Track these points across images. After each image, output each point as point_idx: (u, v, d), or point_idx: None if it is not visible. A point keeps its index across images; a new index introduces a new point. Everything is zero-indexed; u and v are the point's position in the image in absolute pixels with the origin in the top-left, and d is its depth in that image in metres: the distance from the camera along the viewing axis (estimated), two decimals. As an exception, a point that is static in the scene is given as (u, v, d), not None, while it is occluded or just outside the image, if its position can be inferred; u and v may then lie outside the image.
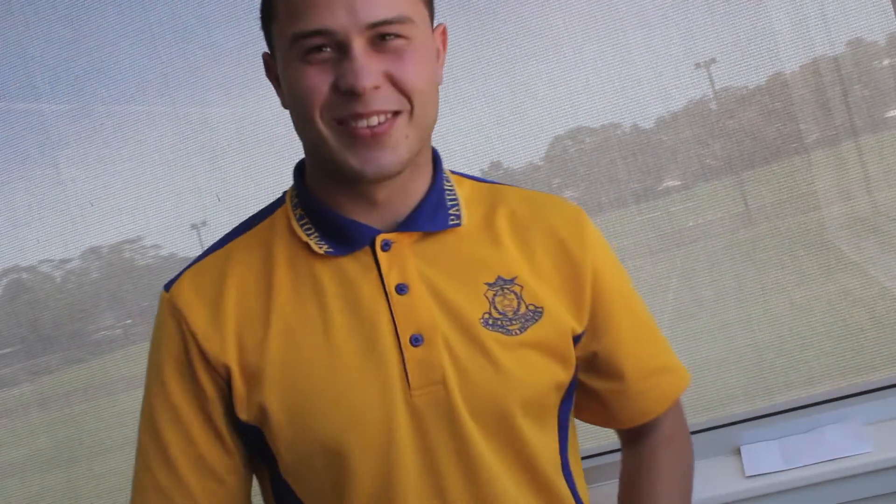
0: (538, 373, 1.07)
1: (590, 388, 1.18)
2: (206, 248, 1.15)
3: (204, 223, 1.93)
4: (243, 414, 1.05)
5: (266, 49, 1.10)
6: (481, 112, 1.81)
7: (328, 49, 0.97)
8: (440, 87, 1.08)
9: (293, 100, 1.02)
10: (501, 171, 1.84)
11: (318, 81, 0.98)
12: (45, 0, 1.95)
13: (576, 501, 1.13)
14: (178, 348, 1.08)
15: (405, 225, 1.06)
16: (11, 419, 2.20)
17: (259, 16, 1.08)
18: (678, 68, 1.75)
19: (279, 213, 1.12)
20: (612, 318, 1.14)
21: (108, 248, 2.04)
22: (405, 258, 1.05)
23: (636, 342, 1.18)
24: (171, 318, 1.08)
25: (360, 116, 0.97)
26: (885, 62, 1.72)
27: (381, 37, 0.97)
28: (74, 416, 2.12)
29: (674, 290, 1.84)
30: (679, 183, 1.82)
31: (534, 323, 1.07)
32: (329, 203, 1.07)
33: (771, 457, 1.65)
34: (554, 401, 1.11)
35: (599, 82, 1.77)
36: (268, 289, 1.06)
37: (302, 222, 1.08)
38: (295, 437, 1.03)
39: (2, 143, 2.02)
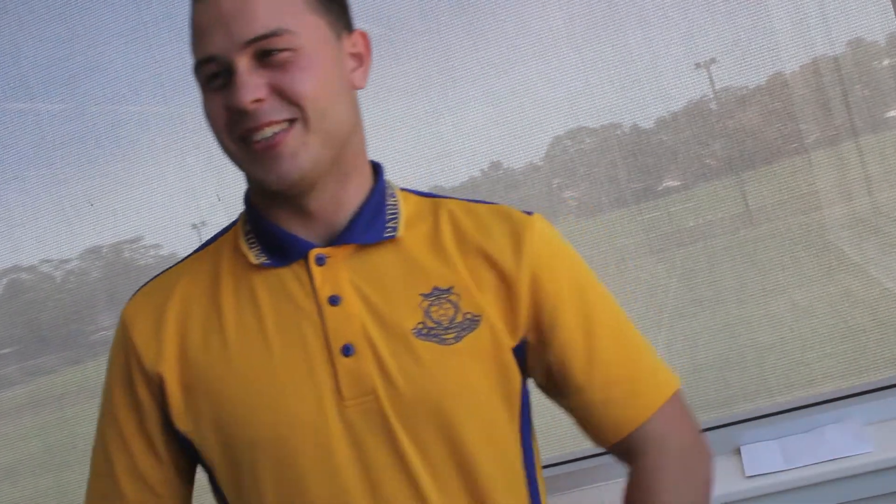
0: (475, 381, 1.06)
1: (563, 405, 1.16)
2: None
3: (204, 223, 1.92)
4: (181, 423, 1.07)
5: None
6: (481, 112, 1.81)
7: (221, 75, 1.00)
8: (360, 90, 1.08)
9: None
10: (501, 172, 1.84)
11: (217, 105, 1.01)
12: (39, -2, 1.94)
13: None
14: (122, 360, 1.11)
15: (340, 238, 1.07)
16: (4, 422, 2.18)
17: None
18: (678, 68, 1.75)
19: (231, 231, 1.15)
20: (557, 328, 1.10)
21: (106, 249, 2.04)
22: (339, 271, 1.06)
23: (590, 351, 1.11)
24: (120, 332, 1.13)
25: (252, 131, 0.99)
26: (885, 62, 1.73)
27: (265, 53, 0.99)
28: (67, 419, 2.10)
29: (674, 290, 1.83)
30: (679, 183, 1.81)
31: (470, 332, 1.06)
32: (269, 217, 1.09)
33: (771, 457, 1.66)
34: (507, 417, 1.09)
35: (599, 82, 1.77)
36: (211, 300, 1.09)
37: (248, 237, 1.11)
38: (227, 447, 1.05)
39: (-3, 144, 2.01)
